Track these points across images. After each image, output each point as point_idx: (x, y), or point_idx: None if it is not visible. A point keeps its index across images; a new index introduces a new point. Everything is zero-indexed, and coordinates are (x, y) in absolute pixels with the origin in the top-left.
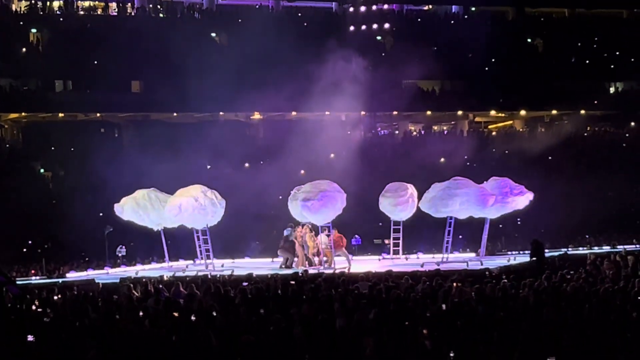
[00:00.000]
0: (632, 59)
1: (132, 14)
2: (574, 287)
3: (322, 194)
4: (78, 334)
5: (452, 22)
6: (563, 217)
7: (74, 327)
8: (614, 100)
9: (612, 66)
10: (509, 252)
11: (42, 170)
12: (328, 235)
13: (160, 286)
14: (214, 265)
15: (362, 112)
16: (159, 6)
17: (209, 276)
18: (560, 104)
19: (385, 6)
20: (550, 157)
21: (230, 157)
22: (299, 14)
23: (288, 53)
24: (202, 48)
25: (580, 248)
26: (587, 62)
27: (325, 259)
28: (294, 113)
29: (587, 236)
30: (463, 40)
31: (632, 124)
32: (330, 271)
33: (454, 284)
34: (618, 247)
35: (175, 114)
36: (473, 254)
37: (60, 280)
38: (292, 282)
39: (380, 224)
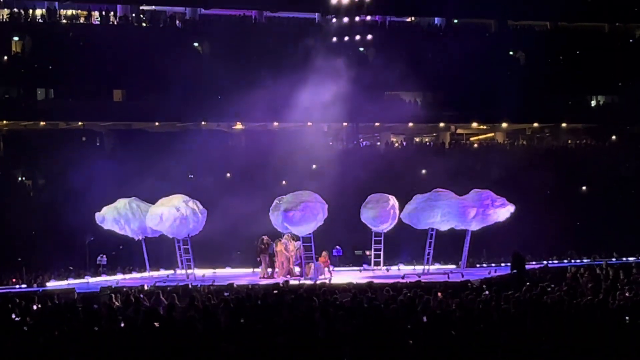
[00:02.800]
0: (614, 73)
1: (115, 23)
2: (554, 300)
3: (304, 204)
4: (58, 343)
5: (435, 34)
6: (544, 230)
7: (54, 336)
8: (595, 113)
9: (593, 79)
10: (490, 264)
11: (22, 179)
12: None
13: (141, 296)
14: (195, 275)
15: (344, 123)
16: (141, 15)
17: (190, 286)
18: (541, 117)
19: (368, 17)
20: (531, 170)
21: (212, 167)
22: (282, 25)
23: (270, 63)
24: (184, 57)
25: (562, 261)
26: (569, 75)
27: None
28: (275, 123)
29: (567, 249)
30: (445, 52)
31: (614, 137)
32: (312, 282)
33: (438, 294)
34: (598, 260)
35: (157, 123)
36: (454, 266)
37: (40, 289)
38: (274, 292)
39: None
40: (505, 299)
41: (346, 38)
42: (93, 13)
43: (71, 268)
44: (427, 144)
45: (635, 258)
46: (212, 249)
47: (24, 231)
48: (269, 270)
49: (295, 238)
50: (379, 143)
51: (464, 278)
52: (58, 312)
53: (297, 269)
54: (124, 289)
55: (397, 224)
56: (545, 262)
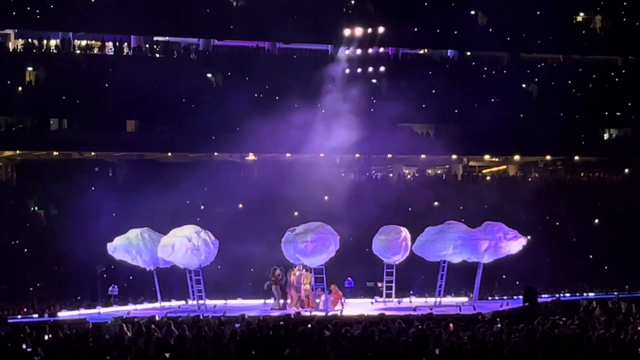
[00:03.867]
0: (626, 106)
1: (129, 53)
2: (566, 333)
3: (316, 236)
4: None
5: (447, 66)
6: (556, 263)
7: None
8: (608, 146)
9: (606, 112)
10: (502, 297)
11: (35, 208)
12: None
13: (152, 326)
14: (206, 306)
15: (357, 155)
16: (155, 46)
17: (201, 317)
18: (554, 150)
19: (381, 49)
20: (543, 203)
21: (224, 198)
22: (295, 56)
23: (283, 94)
24: (197, 88)
25: (574, 294)
26: (582, 108)
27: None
28: (288, 154)
29: (580, 282)
30: (458, 84)
31: (626, 170)
32: (323, 313)
33: (450, 326)
34: (610, 293)
35: (169, 154)
36: (466, 298)
37: (51, 319)
38: (285, 324)
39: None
40: (517, 332)
41: (359, 70)
42: (107, 44)
43: (80, 298)
44: (440, 176)
45: None
46: (224, 279)
47: (36, 261)
48: (282, 301)
49: (308, 270)
50: (391, 175)
51: (476, 311)
52: (69, 343)
53: (308, 301)
54: (135, 320)
55: (409, 256)
56: (557, 295)
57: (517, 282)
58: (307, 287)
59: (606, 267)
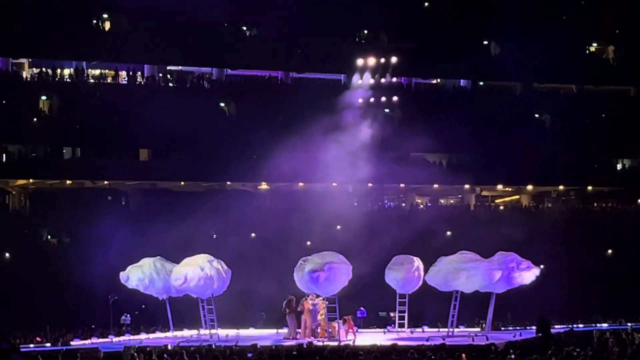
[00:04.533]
0: (639, 136)
1: (142, 82)
2: None
3: (329, 265)
4: None
5: (461, 96)
6: (569, 293)
7: None
8: (621, 176)
9: (619, 143)
10: (515, 328)
11: (48, 237)
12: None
13: (165, 355)
14: (218, 335)
15: (370, 184)
16: (168, 75)
17: (214, 346)
18: (567, 180)
19: (394, 79)
20: (557, 233)
21: (237, 227)
22: (308, 86)
23: (296, 124)
24: (210, 118)
25: (587, 324)
26: (595, 138)
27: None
28: (301, 184)
29: (593, 312)
30: (471, 114)
31: (639, 200)
32: (336, 343)
33: (463, 356)
34: (624, 324)
35: (182, 183)
36: (479, 329)
37: (64, 347)
38: (296, 353)
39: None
40: None
41: (372, 99)
42: (120, 73)
43: (93, 327)
44: (453, 205)
45: None
46: (236, 309)
47: (49, 289)
48: (295, 331)
49: (323, 299)
50: (404, 204)
51: (489, 341)
52: None
53: (321, 330)
54: (148, 349)
55: (421, 286)
56: (570, 326)
57: (530, 313)
58: (323, 316)
59: (619, 298)
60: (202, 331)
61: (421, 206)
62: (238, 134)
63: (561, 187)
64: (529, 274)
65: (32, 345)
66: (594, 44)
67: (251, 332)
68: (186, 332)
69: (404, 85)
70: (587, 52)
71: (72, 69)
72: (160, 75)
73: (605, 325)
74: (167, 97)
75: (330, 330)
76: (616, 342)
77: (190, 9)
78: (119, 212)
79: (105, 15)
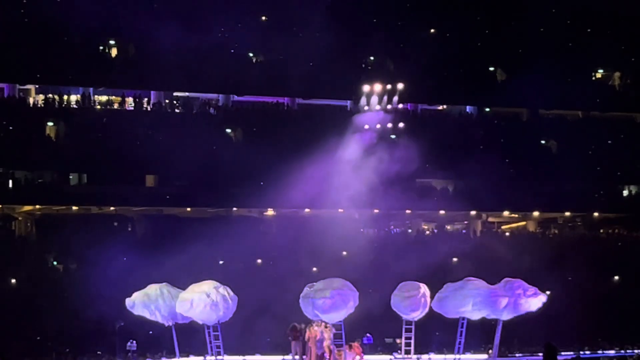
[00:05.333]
0: None
1: (148, 109)
2: None
3: (335, 292)
4: None
5: (466, 122)
6: (576, 320)
7: None
8: (627, 203)
9: (625, 169)
10: (523, 354)
11: (54, 263)
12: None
13: None
14: None
15: (376, 210)
16: (175, 101)
17: None
18: (573, 206)
19: (400, 105)
20: (563, 259)
21: (243, 253)
22: (314, 112)
23: (302, 150)
24: (217, 144)
25: (594, 351)
26: (601, 164)
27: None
28: (307, 210)
29: (599, 339)
30: (477, 140)
31: None
32: None
33: None
34: (630, 350)
35: (188, 209)
36: (485, 355)
37: None
38: None
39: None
40: None
41: (378, 125)
42: (127, 99)
43: (99, 353)
44: (459, 231)
45: None
46: (242, 335)
47: (55, 315)
48: (303, 357)
49: (327, 326)
50: (410, 230)
51: None
52: None
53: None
54: None
55: (428, 312)
56: (577, 353)
57: (537, 339)
58: (328, 342)
59: (626, 325)
60: (208, 358)
61: (427, 232)
62: (244, 160)
63: (567, 213)
64: (535, 301)
65: None
66: (600, 71)
67: (257, 358)
68: (192, 359)
69: (410, 112)
70: (593, 78)
71: (78, 95)
72: (167, 101)
73: (611, 352)
74: (173, 123)
75: (337, 357)
76: None
77: (196, 35)
78: (125, 238)
79: (112, 42)
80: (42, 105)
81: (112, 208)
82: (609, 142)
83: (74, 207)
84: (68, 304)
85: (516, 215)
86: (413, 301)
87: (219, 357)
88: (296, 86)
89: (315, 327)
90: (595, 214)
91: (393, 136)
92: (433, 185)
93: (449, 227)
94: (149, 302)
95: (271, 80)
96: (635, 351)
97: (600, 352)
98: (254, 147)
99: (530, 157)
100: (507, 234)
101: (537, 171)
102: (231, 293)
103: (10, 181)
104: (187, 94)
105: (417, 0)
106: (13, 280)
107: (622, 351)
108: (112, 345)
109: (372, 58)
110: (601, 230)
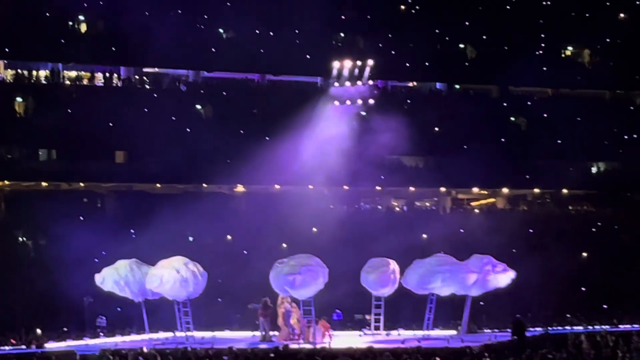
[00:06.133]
0: (614, 140)
1: (118, 84)
2: None
3: (304, 268)
4: None
5: (436, 99)
6: (545, 296)
7: None
8: (596, 180)
9: (594, 146)
10: (491, 330)
11: (23, 239)
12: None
13: (140, 358)
14: (194, 338)
15: (345, 187)
16: (144, 77)
17: (189, 349)
18: (542, 183)
19: (370, 82)
20: (532, 236)
21: (213, 230)
22: (284, 88)
23: (272, 126)
24: (187, 120)
25: (562, 327)
26: (570, 141)
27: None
28: (277, 186)
29: (568, 315)
30: (447, 117)
31: (614, 204)
32: (311, 346)
33: (437, 359)
34: (598, 326)
35: (158, 185)
36: (454, 331)
37: (39, 350)
38: (273, 356)
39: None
40: None
41: (348, 102)
42: (96, 75)
43: (68, 329)
44: (428, 208)
45: (635, 326)
46: (212, 311)
47: (24, 292)
48: (271, 333)
49: (294, 304)
50: (379, 207)
51: (464, 344)
52: None
53: (297, 333)
54: (123, 351)
55: (397, 289)
56: (545, 329)
57: (506, 315)
58: (295, 321)
59: (594, 301)
60: (178, 333)
61: (397, 209)
62: (214, 136)
63: (536, 190)
64: (504, 277)
65: (7, 348)
66: (570, 48)
67: (227, 334)
68: (162, 335)
69: (380, 88)
70: (563, 55)
71: (48, 71)
72: (137, 77)
73: (580, 328)
74: (143, 99)
75: (306, 333)
76: (591, 344)
77: (166, 12)
78: (94, 214)
79: (81, 17)
80: (11, 81)
81: (81, 184)
82: (578, 119)
83: (43, 183)
84: (37, 280)
85: (485, 192)
86: (382, 277)
87: (188, 333)
88: (266, 62)
89: (285, 303)
90: (564, 190)
91: (363, 113)
92: (403, 162)
93: (418, 204)
94: (118, 278)
95: (241, 56)
96: (604, 327)
97: (568, 328)
98: (224, 123)
99: (499, 134)
100: (477, 210)
101: (506, 148)
102: (201, 269)
103: None
104: (156, 70)
105: None
106: None
107: (590, 327)
108: (81, 322)
109: (342, 35)
110: (570, 207)
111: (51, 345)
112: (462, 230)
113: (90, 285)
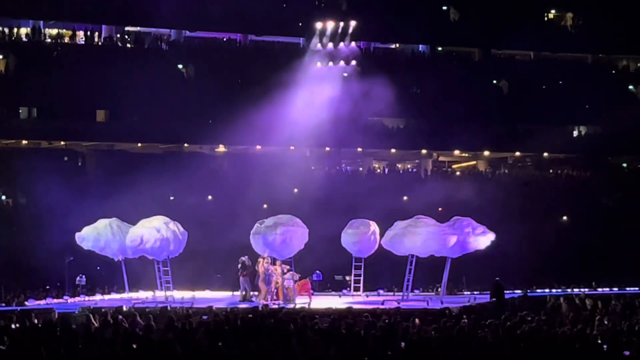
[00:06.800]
0: (596, 104)
1: (99, 43)
2: (532, 329)
3: (285, 228)
4: None
5: (419, 61)
6: (524, 259)
7: (31, 356)
8: (577, 143)
9: (576, 110)
10: (470, 292)
11: (3, 197)
12: (289, 270)
13: (120, 317)
14: (173, 297)
15: (327, 148)
16: (126, 36)
17: (169, 308)
18: (523, 146)
19: (353, 43)
20: (512, 199)
21: (194, 189)
22: (266, 49)
23: (254, 87)
24: (168, 79)
25: (542, 289)
26: (552, 105)
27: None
28: (258, 147)
29: (547, 278)
30: (429, 79)
31: (595, 167)
32: (291, 306)
33: (416, 320)
34: (577, 289)
35: (139, 144)
36: (433, 293)
37: (18, 308)
38: (252, 316)
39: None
40: (484, 327)
41: (330, 63)
42: (78, 33)
43: (48, 288)
44: (409, 170)
45: (614, 289)
46: (192, 271)
47: (3, 250)
48: (252, 293)
49: (275, 263)
50: (361, 169)
51: (443, 305)
52: (36, 332)
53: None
54: (103, 310)
55: (377, 250)
56: (524, 291)
57: (485, 278)
58: (279, 279)
59: (573, 264)
60: (158, 293)
61: (378, 171)
62: (196, 96)
63: (517, 154)
64: (484, 239)
65: None
66: (553, 11)
67: (207, 294)
68: (142, 294)
69: (363, 50)
70: (546, 19)
71: (28, 28)
72: (118, 36)
73: (559, 290)
74: (124, 58)
75: (287, 293)
76: (569, 307)
77: None
78: (75, 173)
79: None
80: None
81: (62, 143)
82: (560, 83)
83: (24, 142)
84: (17, 239)
85: (466, 155)
86: (363, 239)
87: (168, 293)
88: (249, 22)
89: (264, 263)
90: (545, 154)
91: (345, 74)
92: (384, 123)
93: (399, 166)
94: (98, 236)
95: (224, 16)
96: (582, 290)
97: (547, 291)
98: (205, 83)
99: (481, 97)
100: (458, 173)
101: (488, 111)
102: (181, 229)
103: None
104: (138, 28)
105: None
106: None
107: (569, 290)
108: (61, 280)
109: None
110: (551, 171)
111: (31, 304)
112: (440, 209)
113: (71, 244)
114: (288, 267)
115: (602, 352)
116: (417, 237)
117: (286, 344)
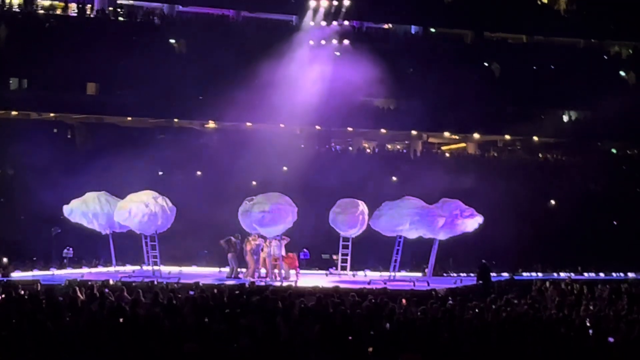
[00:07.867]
0: (587, 89)
1: (92, 15)
2: (518, 313)
3: (274, 206)
4: (20, 334)
5: (411, 42)
6: (511, 242)
7: (16, 327)
8: (567, 128)
9: (566, 94)
10: (457, 274)
11: None
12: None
13: (106, 290)
14: (160, 272)
15: (317, 127)
16: (118, 9)
17: (155, 283)
18: (513, 129)
19: (345, 22)
20: (501, 182)
21: (183, 165)
22: (259, 26)
23: (246, 63)
24: (160, 54)
25: (528, 273)
26: (542, 89)
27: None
28: (248, 124)
29: (534, 262)
30: (421, 60)
31: (584, 152)
32: (278, 284)
33: (403, 301)
34: (563, 274)
35: (129, 118)
36: (420, 274)
37: (4, 279)
38: (238, 293)
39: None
40: (470, 309)
41: (322, 42)
42: (70, 5)
43: (35, 259)
44: (399, 151)
45: (600, 274)
46: (180, 246)
47: None
48: (237, 270)
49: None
50: (350, 148)
51: (430, 287)
52: (21, 303)
53: (263, 270)
54: (89, 283)
55: (365, 230)
56: (511, 275)
57: (472, 260)
58: (263, 259)
59: (561, 249)
60: (145, 267)
61: (368, 151)
62: (187, 71)
63: (507, 137)
64: (472, 222)
65: None
66: None
67: (194, 269)
68: (128, 268)
69: (355, 29)
70: (539, 2)
71: None
72: (110, 8)
73: (545, 274)
74: (116, 31)
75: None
76: (555, 291)
77: None
78: (64, 145)
79: None
80: None
81: (51, 114)
82: (552, 67)
83: (13, 112)
84: (4, 210)
85: (456, 137)
86: (351, 218)
87: (155, 267)
88: None
89: (252, 241)
90: (535, 138)
91: (337, 53)
92: (375, 103)
93: (389, 147)
94: (86, 210)
95: None
96: (569, 275)
97: (534, 275)
98: (197, 58)
99: (472, 79)
100: (447, 155)
101: (479, 93)
102: (170, 204)
103: None
104: (131, 2)
105: None
106: None
107: (556, 275)
108: (48, 252)
109: None
110: (540, 155)
111: (17, 275)
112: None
113: (58, 216)
114: (289, 238)
115: (587, 337)
116: (405, 218)
117: (272, 321)
